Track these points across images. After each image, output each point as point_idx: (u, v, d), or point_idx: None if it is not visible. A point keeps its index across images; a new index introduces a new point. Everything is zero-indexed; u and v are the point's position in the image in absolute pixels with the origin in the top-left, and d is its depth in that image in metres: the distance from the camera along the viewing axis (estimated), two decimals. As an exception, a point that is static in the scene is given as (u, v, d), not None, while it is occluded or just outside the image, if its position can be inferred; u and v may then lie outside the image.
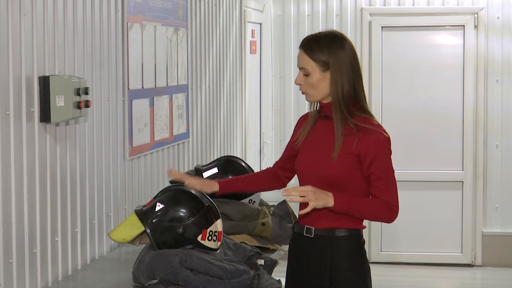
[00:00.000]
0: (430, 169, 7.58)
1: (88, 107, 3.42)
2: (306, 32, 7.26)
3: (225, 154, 5.98)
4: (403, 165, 7.21)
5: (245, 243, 3.68)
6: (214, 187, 3.36)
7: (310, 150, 3.16)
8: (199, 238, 3.23)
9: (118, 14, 4.05)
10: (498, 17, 7.46)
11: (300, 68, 3.11)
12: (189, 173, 4.10)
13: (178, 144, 4.98)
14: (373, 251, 7.38)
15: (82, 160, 3.65)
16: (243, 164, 4.19)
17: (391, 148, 3.11)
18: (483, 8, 7.42)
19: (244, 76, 6.58)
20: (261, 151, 7.30)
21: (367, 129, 3.06)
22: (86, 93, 3.41)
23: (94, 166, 3.80)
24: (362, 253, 3.18)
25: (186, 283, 3.06)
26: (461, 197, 7.60)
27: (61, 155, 3.44)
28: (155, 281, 3.09)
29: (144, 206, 3.30)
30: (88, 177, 3.73)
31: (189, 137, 5.17)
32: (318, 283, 3.13)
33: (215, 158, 5.14)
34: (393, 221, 3.12)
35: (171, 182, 3.96)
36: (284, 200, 4.10)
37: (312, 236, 3.15)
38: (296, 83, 3.14)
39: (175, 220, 3.23)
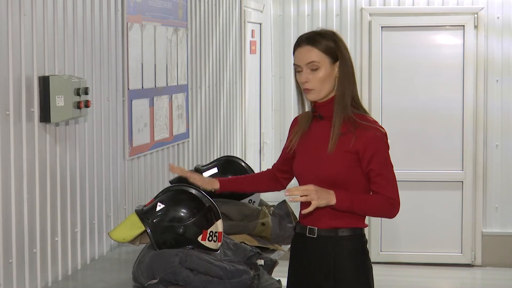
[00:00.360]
0: (430, 169, 7.58)
1: (88, 107, 3.42)
2: (306, 32, 7.25)
3: (225, 154, 5.98)
4: (403, 165, 7.21)
5: (245, 243, 3.68)
6: (215, 184, 3.39)
7: (308, 151, 3.17)
8: (199, 238, 3.23)
9: (118, 14, 4.05)
10: (498, 17, 7.46)
11: (307, 64, 3.08)
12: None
13: (178, 144, 4.98)
14: (373, 251, 7.37)
15: (82, 160, 3.65)
16: (243, 164, 4.19)
17: (389, 143, 3.12)
18: (483, 8, 7.42)
19: (244, 76, 6.58)
20: (261, 151, 7.30)
21: (364, 126, 3.07)
22: (86, 93, 3.41)
23: (94, 166, 3.80)
24: (365, 252, 3.19)
25: (186, 283, 3.06)
26: (461, 197, 7.60)
27: (61, 155, 3.44)
28: (155, 281, 3.09)
29: (145, 206, 3.30)
30: (88, 177, 3.73)
31: (189, 137, 5.17)
32: (321, 283, 3.14)
33: (215, 158, 5.14)
34: (395, 216, 3.13)
35: (170, 182, 3.97)
36: (284, 200, 4.10)
37: (315, 236, 3.15)
38: (303, 80, 3.10)
39: (176, 220, 3.23)
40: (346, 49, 3.12)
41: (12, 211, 3.07)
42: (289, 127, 3.38)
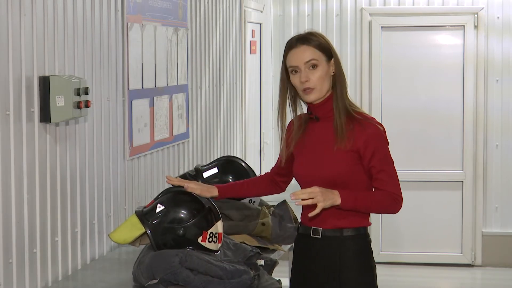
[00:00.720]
0: (430, 169, 7.58)
1: (88, 107, 3.42)
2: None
3: (225, 154, 5.98)
4: (403, 165, 7.19)
5: (245, 243, 3.68)
6: (213, 192, 3.36)
7: (307, 153, 3.17)
8: (199, 239, 3.23)
9: (118, 14, 4.05)
10: (498, 17, 7.46)
11: (305, 63, 3.08)
12: (188, 173, 4.10)
13: (178, 144, 4.97)
14: (373, 251, 7.35)
15: (82, 160, 3.65)
16: (243, 164, 4.18)
17: (388, 139, 3.13)
18: (483, 8, 7.42)
19: (244, 76, 6.58)
20: (261, 151, 7.30)
21: (363, 123, 3.08)
22: (86, 93, 3.41)
23: (94, 166, 3.80)
24: (370, 252, 3.21)
25: (186, 283, 3.06)
26: (461, 197, 7.59)
27: (61, 155, 3.44)
28: (155, 281, 3.09)
29: (145, 207, 3.30)
30: (88, 177, 3.73)
31: (189, 137, 5.17)
32: (326, 283, 3.14)
33: (215, 158, 5.14)
34: (399, 211, 3.14)
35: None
36: (284, 200, 4.10)
37: (320, 236, 3.15)
38: (303, 80, 3.08)
39: (176, 221, 3.23)
40: (335, 49, 3.17)
41: (12, 211, 3.07)
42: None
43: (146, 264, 3.16)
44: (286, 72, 3.14)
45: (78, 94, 3.33)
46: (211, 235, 3.25)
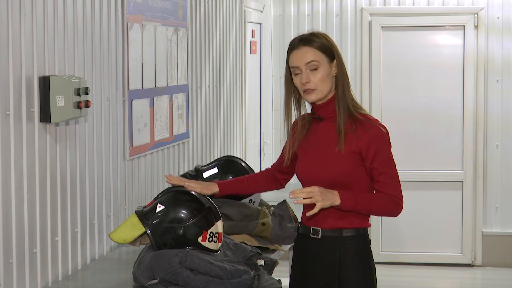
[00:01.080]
0: (430, 169, 7.58)
1: (88, 107, 3.42)
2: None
3: (225, 154, 5.98)
4: (403, 165, 7.18)
5: (245, 243, 3.68)
6: (214, 188, 3.37)
7: (310, 153, 3.17)
8: (199, 239, 3.23)
9: (118, 14, 4.05)
10: (498, 17, 7.46)
11: (306, 64, 3.08)
12: (189, 173, 4.10)
13: (178, 144, 4.97)
14: (373, 251, 7.34)
15: (82, 160, 3.65)
16: (243, 164, 4.19)
17: (390, 141, 3.13)
18: (483, 8, 7.42)
19: (244, 76, 6.58)
20: (261, 151, 7.30)
21: (366, 124, 3.08)
22: (86, 93, 3.41)
23: (94, 166, 3.80)
24: (369, 252, 3.21)
25: (186, 283, 3.06)
26: (461, 197, 7.59)
27: (61, 155, 3.44)
28: (155, 281, 3.09)
29: (145, 207, 3.30)
30: (88, 177, 3.73)
31: (189, 137, 5.17)
32: (326, 284, 3.14)
33: (215, 158, 5.14)
34: (399, 214, 3.13)
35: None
36: (284, 200, 4.10)
37: (319, 237, 3.15)
38: (304, 81, 3.09)
39: (176, 221, 3.23)
40: (338, 49, 3.16)
41: (12, 211, 3.07)
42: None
43: (146, 264, 3.16)
44: (290, 73, 3.14)
45: (78, 94, 3.33)
46: (211, 234, 3.25)
